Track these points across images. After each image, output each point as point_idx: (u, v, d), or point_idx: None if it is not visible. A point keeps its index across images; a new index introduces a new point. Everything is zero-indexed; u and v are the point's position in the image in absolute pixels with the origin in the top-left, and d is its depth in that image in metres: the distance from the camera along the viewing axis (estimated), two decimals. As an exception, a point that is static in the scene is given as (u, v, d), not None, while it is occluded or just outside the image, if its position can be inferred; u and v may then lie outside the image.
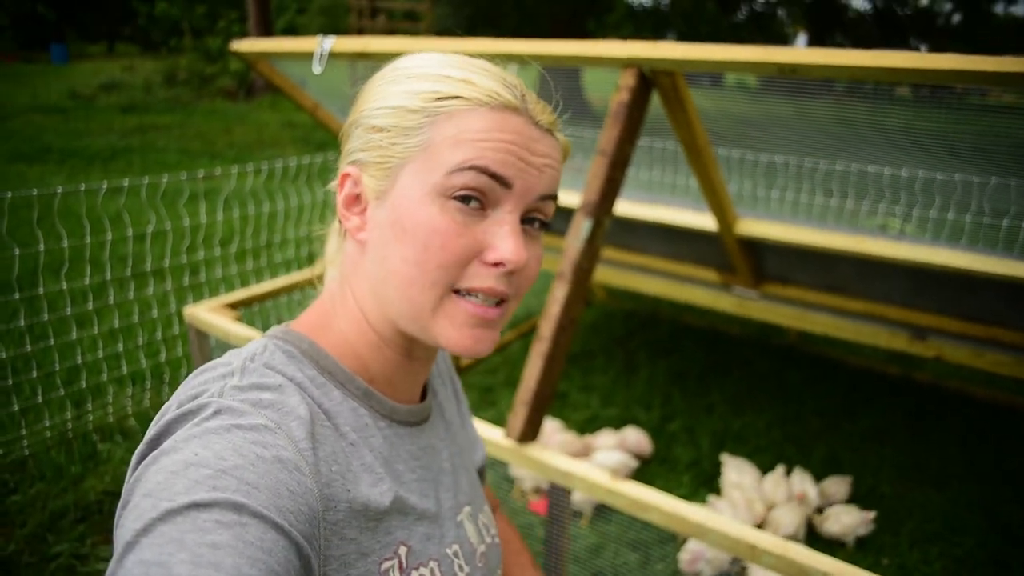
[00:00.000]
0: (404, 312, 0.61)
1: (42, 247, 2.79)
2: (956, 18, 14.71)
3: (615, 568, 2.38)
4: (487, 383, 3.70)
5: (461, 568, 0.69)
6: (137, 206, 4.46)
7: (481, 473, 0.93)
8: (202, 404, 0.53)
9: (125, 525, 0.44)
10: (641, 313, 4.62)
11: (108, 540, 2.46)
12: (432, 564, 0.65)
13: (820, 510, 2.71)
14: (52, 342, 2.99)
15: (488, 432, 1.75)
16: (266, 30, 13.60)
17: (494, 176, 0.58)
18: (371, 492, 0.60)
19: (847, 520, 2.58)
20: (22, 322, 2.99)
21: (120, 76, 15.43)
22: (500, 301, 0.61)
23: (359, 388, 0.64)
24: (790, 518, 2.53)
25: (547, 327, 1.72)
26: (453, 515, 0.72)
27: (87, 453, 2.88)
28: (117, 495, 2.65)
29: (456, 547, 0.70)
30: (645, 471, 2.97)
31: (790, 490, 2.71)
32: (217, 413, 0.52)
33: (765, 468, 2.90)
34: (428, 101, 0.59)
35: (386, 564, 0.60)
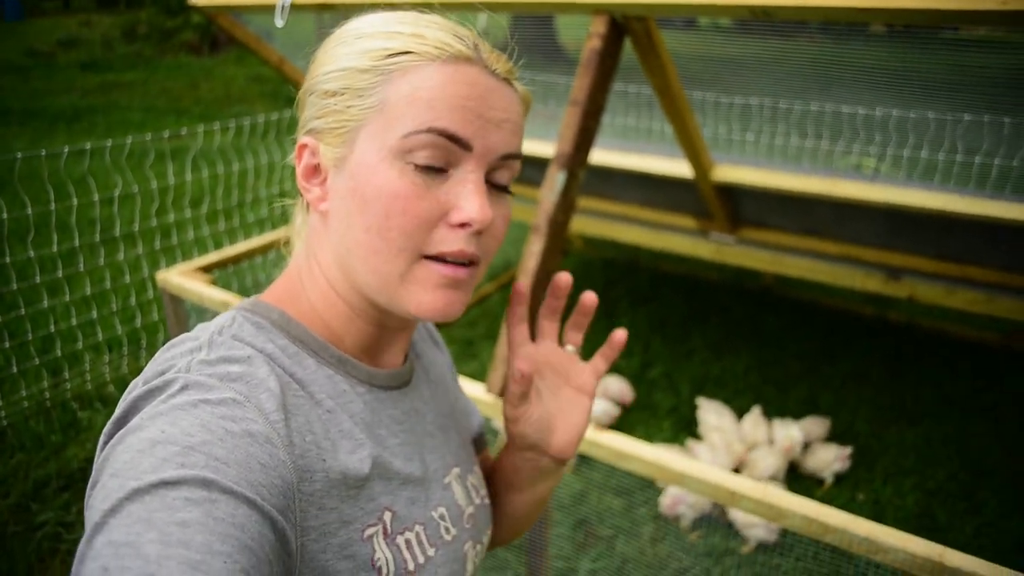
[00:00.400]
0: (372, 283, 0.59)
1: (5, 215, 2.72)
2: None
3: (599, 514, 2.43)
4: (468, 336, 3.71)
5: (447, 530, 0.69)
6: (103, 169, 4.34)
7: (479, 440, 0.90)
8: (168, 380, 0.51)
9: (94, 506, 0.44)
10: (620, 262, 4.62)
11: (94, 507, 2.46)
12: (417, 528, 0.65)
13: (804, 447, 2.78)
14: (23, 311, 2.94)
15: (469, 387, 1.75)
16: (227, -20, 13.08)
17: (452, 138, 0.56)
18: (349, 459, 0.59)
19: (824, 456, 2.65)
20: (-10, 292, 2.93)
21: (78, 32, 14.85)
22: (470, 262, 0.59)
23: (333, 356, 0.63)
24: (769, 460, 2.59)
25: (524, 281, 1.71)
26: (440, 477, 0.71)
27: (67, 421, 2.86)
28: (100, 462, 2.65)
29: (443, 509, 0.69)
30: (627, 418, 3.02)
31: (769, 431, 2.77)
32: (184, 389, 0.50)
33: (744, 411, 2.95)
34: (379, 59, 0.57)
35: (369, 531, 0.59)
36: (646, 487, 2.50)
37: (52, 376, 3.05)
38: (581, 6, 1.61)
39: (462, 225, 0.57)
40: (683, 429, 2.95)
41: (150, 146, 4.40)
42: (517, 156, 0.61)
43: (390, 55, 0.56)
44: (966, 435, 2.92)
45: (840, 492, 2.61)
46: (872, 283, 2.58)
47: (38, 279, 3.01)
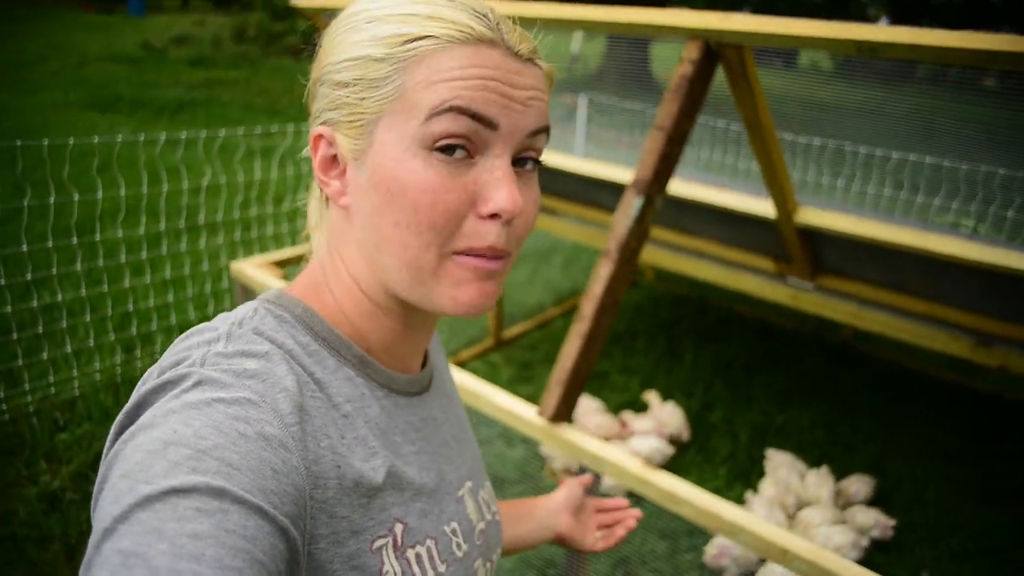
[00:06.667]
0: (404, 279, 0.57)
1: (100, 195, 2.85)
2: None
3: (641, 555, 2.34)
4: (526, 359, 3.67)
5: (459, 546, 0.66)
6: (195, 159, 4.53)
7: None
8: (182, 374, 0.49)
9: (103, 507, 0.42)
10: (690, 299, 4.51)
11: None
12: (429, 542, 0.62)
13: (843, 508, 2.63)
14: (106, 288, 3.07)
15: (521, 409, 1.72)
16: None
17: (476, 116, 0.52)
18: (364, 467, 0.56)
19: (863, 520, 2.50)
20: (78, 267, 3.07)
21: (191, 30, 15.72)
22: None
23: (355, 355, 0.60)
24: (820, 519, 2.46)
25: (588, 306, 1.67)
26: (454, 490, 0.69)
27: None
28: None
29: (455, 524, 0.67)
30: (681, 459, 2.91)
31: (832, 490, 2.63)
32: (197, 384, 0.48)
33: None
34: (394, 46, 0.53)
35: (379, 542, 0.57)
36: (693, 533, 2.40)
37: (125, 353, 3.17)
38: (677, 30, 1.57)
39: (492, 216, 0.54)
40: (738, 478, 2.83)
41: (241, 141, 4.57)
42: (545, 129, 0.57)
43: (406, 40, 0.53)
44: (1050, 522, 2.70)
45: (901, 565, 2.44)
46: (959, 347, 2.42)
47: (123, 259, 3.15)
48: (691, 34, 1.59)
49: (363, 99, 0.54)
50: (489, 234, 0.55)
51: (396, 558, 0.58)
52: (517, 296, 4.35)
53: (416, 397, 0.67)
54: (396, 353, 0.65)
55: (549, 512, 0.97)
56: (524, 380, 3.45)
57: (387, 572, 0.57)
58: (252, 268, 2.36)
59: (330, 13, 2.41)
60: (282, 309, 0.59)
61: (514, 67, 0.54)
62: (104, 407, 2.86)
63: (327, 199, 0.63)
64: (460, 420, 0.77)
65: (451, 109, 0.52)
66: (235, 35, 15.41)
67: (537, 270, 4.81)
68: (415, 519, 0.61)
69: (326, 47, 0.58)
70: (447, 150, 0.53)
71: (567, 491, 0.99)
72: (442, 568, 0.63)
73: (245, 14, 16.88)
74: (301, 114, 8.91)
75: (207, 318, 3.44)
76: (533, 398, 3.09)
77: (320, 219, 0.66)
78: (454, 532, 0.66)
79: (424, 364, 0.71)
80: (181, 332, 2.91)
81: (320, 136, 0.58)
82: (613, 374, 3.55)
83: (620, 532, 0.98)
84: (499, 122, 0.53)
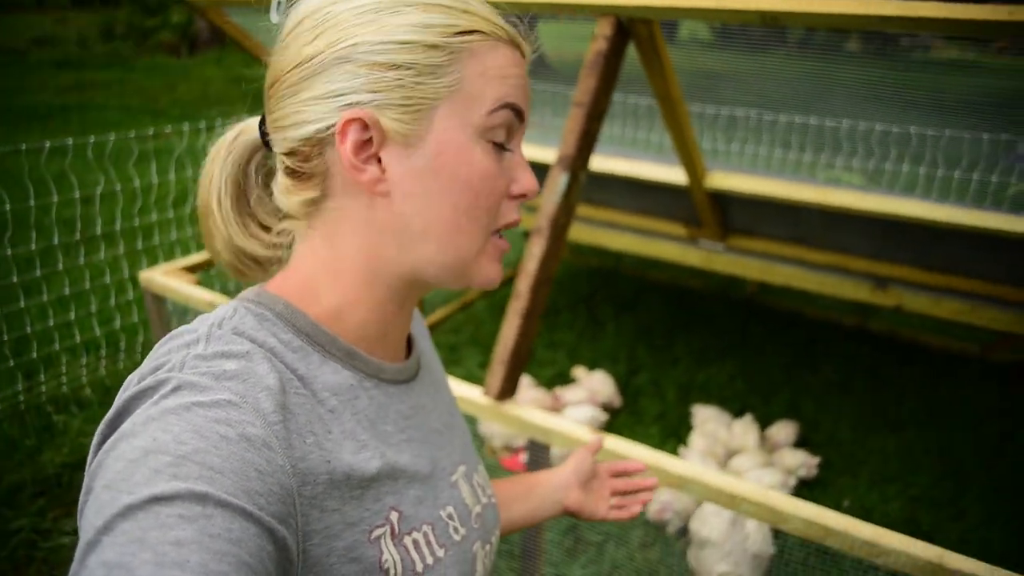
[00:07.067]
0: (444, 260, 0.60)
1: (-18, 211, 2.64)
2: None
3: (590, 521, 2.42)
4: (452, 342, 3.69)
5: (456, 530, 0.67)
6: (82, 167, 4.25)
7: None
8: (161, 380, 0.49)
9: (87, 518, 0.42)
10: (604, 270, 4.64)
11: (70, 514, 2.40)
12: (426, 528, 0.63)
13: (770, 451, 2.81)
14: (-2, 311, 2.86)
15: (465, 390, 1.73)
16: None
17: (519, 113, 0.59)
18: (354, 459, 0.57)
19: (790, 461, 2.67)
20: (-36, 291, 2.85)
21: (52, 29, 14.63)
22: None
23: (341, 349, 0.60)
24: (749, 464, 2.61)
25: (524, 283, 1.70)
26: (447, 475, 0.69)
27: (42, 425, 2.79)
28: (76, 467, 2.58)
29: (451, 508, 0.68)
30: (614, 423, 3.01)
31: (760, 438, 2.80)
32: (176, 390, 0.48)
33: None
34: (448, 36, 0.55)
35: (377, 532, 0.57)
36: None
37: (26, 379, 2.97)
38: (588, 7, 1.61)
39: (520, 196, 0.62)
40: (670, 435, 2.96)
41: (133, 144, 4.32)
42: None
43: (459, 32, 0.56)
44: (947, 443, 2.97)
45: (826, 497, 2.62)
46: (860, 292, 2.61)
47: (14, 278, 2.94)
48: (602, 11, 1.63)
49: (419, 83, 0.55)
50: (513, 211, 0.63)
51: (394, 546, 0.58)
52: (435, 282, 4.34)
53: (404, 385, 0.67)
54: (391, 338, 0.65)
55: (554, 488, 0.94)
56: (454, 363, 3.46)
57: (386, 561, 0.57)
58: (162, 276, 2.25)
59: (228, 6, 2.31)
60: (262, 307, 0.59)
61: (524, 66, 0.61)
62: (9, 438, 2.68)
63: (324, 189, 0.59)
64: (449, 406, 0.78)
65: (506, 106, 0.58)
66: (103, 33, 14.45)
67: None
68: (410, 506, 0.62)
69: (345, 24, 0.55)
70: (497, 140, 0.59)
71: (575, 462, 0.96)
72: (440, 552, 0.63)
73: (110, 10, 15.83)
74: (187, 113, 8.52)
75: (114, 333, 3.27)
76: (467, 379, 3.11)
77: (309, 211, 0.61)
78: (450, 516, 0.67)
79: (410, 352, 0.71)
80: (88, 351, 2.75)
81: (356, 119, 0.55)
82: (539, 350, 3.62)
83: (636, 509, 0.96)
84: (526, 116, 0.61)
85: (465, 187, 0.57)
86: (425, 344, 0.79)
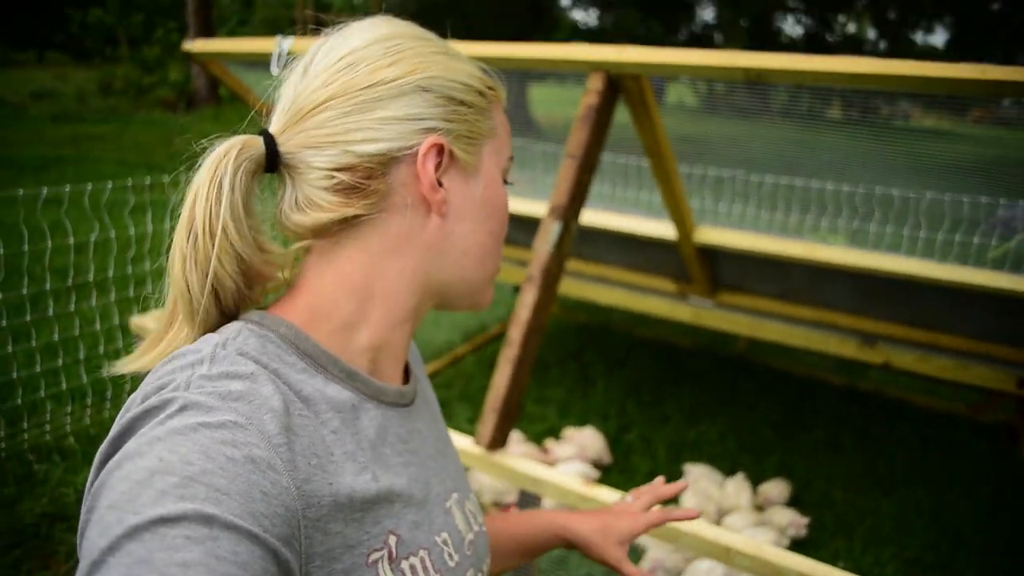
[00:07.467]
0: (474, 279, 0.68)
1: (-26, 256, 2.64)
2: (882, 45, 15.41)
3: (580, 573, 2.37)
4: (442, 396, 3.66)
5: (451, 556, 0.67)
6: (77, 216, 4.27)
7: None
8: (166, 399, 0.49)
9: (91, 539, 0.42)
10: (594, 326, 4.65)
11: (47, 566, 2.33)
12: (422, 553, 0.63)
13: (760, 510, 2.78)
14: (-17, 357, 2.83)
15: (457, 440, 1.72)
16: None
17: (512, 159, 0.71)
18: (355, 482, 0.57)
19: (779, 520, 2.64)
20: (-49, 335, 2.82)
21: (51, 84, 14.88)
22: None
23: (343, 370, 0.61)
24: (742, 523, 2.58)
25: (516, 332, 1.71)
26: (441, 501, 0.70)
27: (22, 474, 2.73)
28: (55, 518, 2.52)
29: (445, 535, 0.68)
30: (605, 480, 2.98)
31: (753, 497, 2.77)
32: (182, 409, 0.48)
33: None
34: (485, 87, 0.66)
35: (374, 555, 0.57)
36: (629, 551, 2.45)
37: (9, 426, 2.92)
38: (579, 63, 1.67)
39: None
40: (661, 493, 2.92)
41: (128, 194, 4.35)
42: None
43: (489, 87, 0.67)
44: (940, 505, 2.94)
45: (820, 559, 2.58)
46: (847, 348, 2.64)
47: (3, 323, 2.92)
48: (592, 67, 1.70)
49: (478, 121, 0.65)
50: None
51: (392, 570, 0.58)
52: (425, 336, 4.34)
53: (404, 408, 0.68)
54: (394, 361, 0.67)
55: (562, 516, 0.94)
56: (443, 418, 3.43)
57: None
58: (153, 322, 2.25)
59: (229, 60, 2.38)
60: (266, 329, 0.59)
61: None
62: (-12, 487, 2.61)
63: (377, 207, 0.60)
64: (442, 433, 0.79)
65: (511, 157, 0.70)
66: (101, 88, 14.72)
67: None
68: (407, 530, 0.62)
69: (422, 58, 0.61)
70: (505, 181, 0.70)
71: (627, 526, 0.92)
72: None
73: (109, 67, 16.14)
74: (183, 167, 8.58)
75: (101, 382, 3.23)
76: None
77: (336, 230, 0.61)
78: (445, 543, 0.67)
79: (408, 378, 0.72)
80: (74, 398, 2.71)
81: (439, 144, 0.61)
82: (529, 405, 3.60)
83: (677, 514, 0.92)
84: None
85: (498, 215, 0.68)
86: (420, 372, 0.81)
